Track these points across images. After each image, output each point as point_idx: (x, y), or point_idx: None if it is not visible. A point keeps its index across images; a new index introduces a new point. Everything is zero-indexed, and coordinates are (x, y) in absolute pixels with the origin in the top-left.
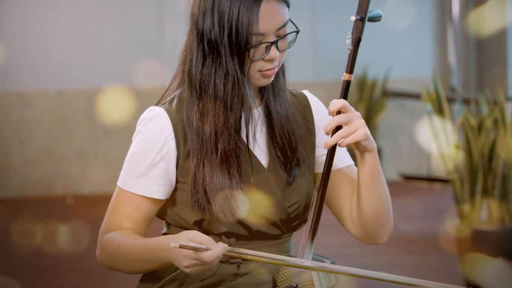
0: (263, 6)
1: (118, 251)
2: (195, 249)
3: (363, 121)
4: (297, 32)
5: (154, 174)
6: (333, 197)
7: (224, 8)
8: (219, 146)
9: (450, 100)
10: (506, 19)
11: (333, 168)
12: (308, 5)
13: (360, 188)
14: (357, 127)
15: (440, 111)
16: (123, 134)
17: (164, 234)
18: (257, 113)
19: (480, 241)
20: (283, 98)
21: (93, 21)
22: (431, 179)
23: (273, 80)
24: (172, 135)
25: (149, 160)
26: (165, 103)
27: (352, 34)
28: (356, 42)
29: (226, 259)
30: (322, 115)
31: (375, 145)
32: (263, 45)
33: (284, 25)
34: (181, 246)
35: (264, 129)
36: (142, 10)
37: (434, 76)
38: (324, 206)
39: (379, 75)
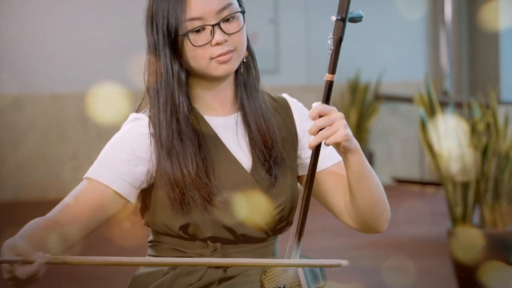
0: None
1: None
2: (10, 262)
3: (345, 122)
4: (242, 12)
5: (124, 168)
6: (326, 196)
7: (156, 7)
8: (164, 141)
9: (443, 104)
10: (499, 22)
11: (321, 168)
12: (301, 8)
13: (350, 187)
14: (337, 128)
15: (432, 114)
16: None
17: (151, 242)
18: (236, 117)
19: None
20: (255, 95)
21: (87, 24)
22: (424, 183)
23: (244, 77)
24: (147, 139)
25: (122, 155)
26: (145, 110)
27: (333, 34)
28: (338, 42)
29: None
30: (304, 117)
31: (358, 144)
32: (207, 30)
33: (225, 7)
34: None
35: (243, 132)
36: (135, 13)
37: (426, 79)
38: (315, 207)
39: (372, 79)
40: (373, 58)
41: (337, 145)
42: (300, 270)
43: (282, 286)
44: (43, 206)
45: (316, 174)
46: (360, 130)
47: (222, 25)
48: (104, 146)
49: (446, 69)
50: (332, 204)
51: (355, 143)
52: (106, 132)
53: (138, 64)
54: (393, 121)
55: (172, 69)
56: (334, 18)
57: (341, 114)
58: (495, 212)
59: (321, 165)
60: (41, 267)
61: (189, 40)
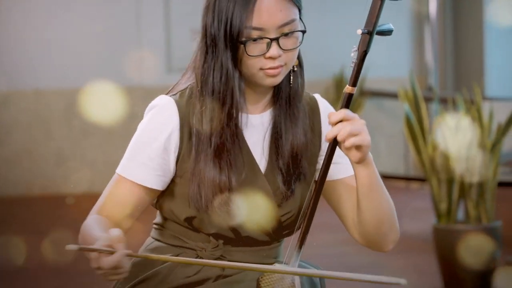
0: (260, 0)
1: (83, 235)
2: (95, 250)
3: (367, 129)
4: (303, 32)
5: (154, 164)
6: (338, 205)
7: (223, 2)
8: (212, 139)
9: (427, 100)
10: (483, 18)
11: (337, 177)
12: None
13: (358, 199)
14: (362, 130)
15: (417, 110)
16: (102, 134)
17: (156, 224)
18: (268, 119)
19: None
20: (298, 106)
21: (71, 21)
22: (409, 178)
23: (290, 85)
24: (178, 128)
25: (151, 149)
26: (176, 93)
27: (358, 48)
28: (362, 56)
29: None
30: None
31: (371, 157)
32: (264, 42)
33: (288, 23)
34: (81, 249)
35: (269, 135)
36: (119, 8)
37: (411, 75)
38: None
39: None
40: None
41: (356, 152)
42: (297, 278)
43: None
44: (28, 202)
45: (332, 182)
46: None
47: (280, 40)
48: (88, 143)
49: (431, 65)
50: (342, 214)
51: (370, 155)
52: (90, 129)
53: (123, 61)
54: (378, 117)
55: (233, 73)
56: (360, 31)
57: (364, 121)
58: (479, 208)
59: (338, 173)
60: (122, 258)
61: (245, 48)
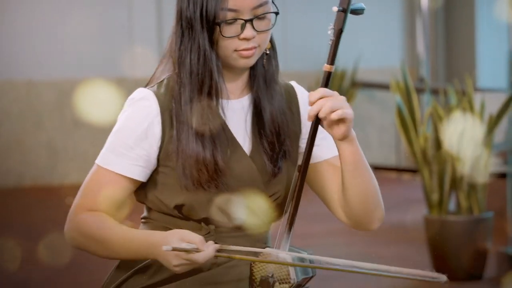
0: None
1: (98, 235)
2: (187, 251)
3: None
4: (276, 13)
5: (135, 154)
6: (322, 187)
7: None
8: (194, 120)
9: (419, 91)
10: (475, 10)
11: (320, 159)
12: None
13: (344, 178)
14: (344, 105)
15: (408, 101)
16: (94, 125)
17: (144, 218)
18: (248, 101)
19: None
20: (274, 87)
21: (63, 11)
22: (400, 170)
23: (264, 68)
24: (159, 117)
25: (132, 139)
26: (153, 85)
27: (334, 25)
28: (338, 33)
29: (215, 260)
30: (308, 108)
31: (355, 134)
32: (238, 23)
33: (261, 5)
34: (174, 249)
35: (250, 117)
36: (112, 0)
37: (403, 66)
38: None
39: (348, 66)
40: (350, 45)
41: (338, 128)
42: (288, 258)
43: (270, 275)
44: (19, 193)
45: (315, 164)
46: None
47: (254, 21)
48: (79, 134)
49: (423, 56)
50: (326, 197)
51: (353, 132)
52: (82, 120)
53: (115, 52)
54: (370, 108)
55: (211, 54)
56: (335, 8)
57: (344, 97)
58: (471, 199)
59: (320, 155)
60: (212, 255)
61: (220, 29)
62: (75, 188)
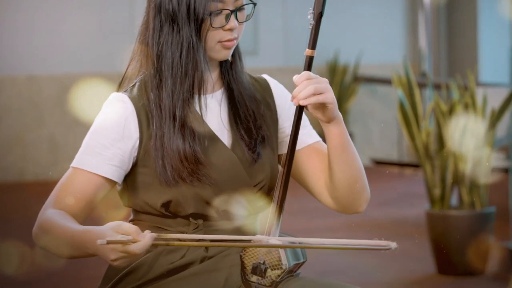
0: None
1: (53, 231)
2: (122, 243)
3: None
4: (254, 4)
5: (110, 153)
6: (305, 175)
7: None
8: (177, 112)
9: (421, 86)
10: (477, 4)
11: (301, 146)
12: None
13: (330, 160)
14: (326, 89)
15: (411, 96)
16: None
17: (131, 220)
18: (220, 94)
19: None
20: (243, 79)
21: (64, 6)
22: (402, 164)
23: (231, 63)
24: (135, 118)
25: (107, 139)
26: (126, 90)
27: (313, 9)
28: (318, 17)
29: (154, 248)
30: (283, 98)
31: (341, 115)
32: (223, 14)
33: None
34: (108, 242)
35: (226, 110)
36: None
37: (405, 61)
38: (292, 189)
39: (350, 61)
40: (352, 39)
41: (323, 111)
42: (280, 244)
43: (262, 262)
44: (20, 188)
45: (296, 152)
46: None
47: (237, 12)
48: (80, 129)
49: (425, 51)
50: (311, 183)
51: (339, 112)
52: (83, 115)
53: (117, 48)
54: (372, 103)
55: (197, 46)
56: None
57: (327, 80)
58: (473, 194)
59: (301, 142)
60: (149, 245)
61: (209, 20)
62: None
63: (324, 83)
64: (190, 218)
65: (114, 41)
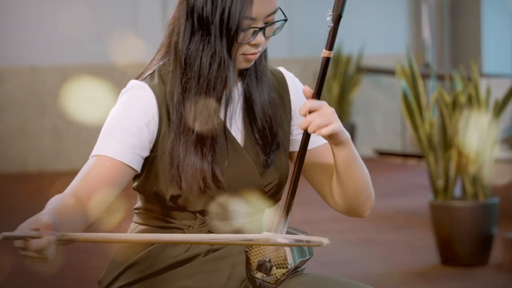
0: None
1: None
2: (20, 238)
3: (336, 115)
4: (285, 20)
5: (134, 141)
6: (314, 175)
7: None
8: (196, 124)
9: (425, 76)
10: None
11: (312, 146)
12: None
13: (337, 175)
14: (331, 120)
15: (414, 87)
16: (97, 111)
17: (137, 208)
18: (237, 95)
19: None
20: (264, 81)
21: None
22: (406, 155)
23: (256, 63)
24: (156, 108)
25: (131, 127)
26: (145, 77)
27: (332, 11)
28: (337, 19)
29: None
30: (298, 93)
31: (349, 136)
32: (251, 30)
33: (274, 12)
34: (5, 238)
35: (242, 111)
36: None
37: (408, 52)
38: (300, 182)
39: (354, 51)
40: (355, 30)
41: (330, 137)
42: (286, 242)
43: (267, 260)
44: (23, 179)
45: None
46: (342, 102)
47: (266, 28)
48: (83, 120)
49: (428, 42)
50: (319, 184)
51: (346, 134)
52: (86, 106)
53: (120, 39)
54: (375, 94)
55: (228, 62)
56: None
57: (332, 109)
58: (476, 184)
59: (313, 141)
60: (51, 243)
61: (237, 36)
62: None
63: (329, 115)
64: (197, 214)
65: (118, 31)
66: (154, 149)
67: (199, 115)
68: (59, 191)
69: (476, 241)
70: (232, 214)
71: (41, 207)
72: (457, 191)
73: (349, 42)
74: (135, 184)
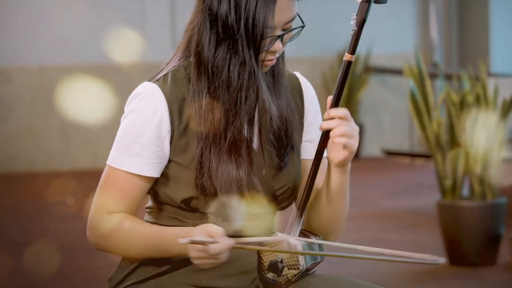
0: (280, 1)
1: (128, 237)
2: (202, 243)
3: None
4: (303, 27)
5: (149, 152)
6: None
7: None
8: (228, 134)
9: (432, 76)
10: None
11: (307, 156)
12: None
13: (323, 197)
14: (356, 136)
15: (422, 87)
16: (105, 110)
17: (149, 208)
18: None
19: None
20: (282, 83)
21: None
22: (413, 155)
23: (273, 66)
24: (167, 113)
25: (144, 138)
26: (158, 79)
27: (357, 15)
28: (361, 24)
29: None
30: (312, 100)
31: (350, 166)
32: (270, 37)
33: (292, 19)
34: (191, 242)
35: (257, 111)
36: None
37: (416, 51)
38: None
39: (361, 51)
40: (363, 29)
41: (338, 153)
42: (298, 244)
43: (279, 260)
44: (31, 178)
45: (304, 161)
46: (349, 102)
47: (284, 36)
48: (91, 119)
49: (436, 41)
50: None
51: (349, 165)
52: (93, 105)
53: (128, 39)
54: (383, 93)
55: (257, 71)
56: None
57: (358, 128)
58: (484, 184)
59: (308, 153)
60: (229, 247)
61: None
62: (86, 173)
63: (355, 129)
64: (209, 215)
65: (125, 31)
66: (170, 153)
67: (231, 125)
68: (66, 190)
69: (483, 241)
70: (243, 215)
71: (47, 206)
72: (465, 191)
73: None
74: None
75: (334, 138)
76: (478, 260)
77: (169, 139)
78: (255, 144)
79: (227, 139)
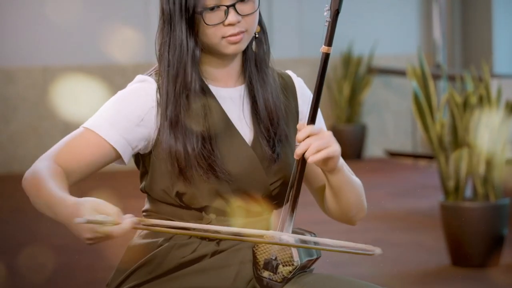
0: None
1: (38, 186)
2: (102, 223)
3: (334, 138)
4: None
5: (124, 125)
6: (310, 181)
7: None
8: (168, 113)
9: (435, 77)
10: None
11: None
12: None
13: (328, 196)
14: (329, 143)
15: (425, 87)
16: None
17: (145, 211)
18: (242, 88)
19: (465, 217)
20: (266, 71)
21: None
22: (416, 156)
23: (255, 52)
24: (156, 104)
25: (125, 112)
26: (150, 74)
27: (330, 6)
28: (334, 15)
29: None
30: (306, 99)
31: (342, 161)
32: (221, 10)
33: None
34: (88, 222)
35: (248, 105)
36: None
37: (419, 52)
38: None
39: (365, 52)
40: (366, 31)
41: (325, 162)
42: (291, 241)
43: (274, 258)
44: None
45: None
46: (352, 103)
47: (237, 6)
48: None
49: (439, 42)
50: (311, 190)
51: (341, 161)
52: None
53: (130, 39)
54: (386, 94)
55: (187, 45)
56: None
57: (330, 132)
58: (487, 185)
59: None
60: (131, 228)
61: (203, 18)
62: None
63: (327, 138)
64: (203, 212)
65: (128, 32)
66: (156, 142)
67: (169, 103)
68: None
69: (487, 242)
70: (239, 212)
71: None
72: (468, 192)
73: (359, 43)
74: (143, 184)
75: (311, 158)
76: (481, 261)
77: (156, 125)
78: (249, 136)
79: (168, 118)
